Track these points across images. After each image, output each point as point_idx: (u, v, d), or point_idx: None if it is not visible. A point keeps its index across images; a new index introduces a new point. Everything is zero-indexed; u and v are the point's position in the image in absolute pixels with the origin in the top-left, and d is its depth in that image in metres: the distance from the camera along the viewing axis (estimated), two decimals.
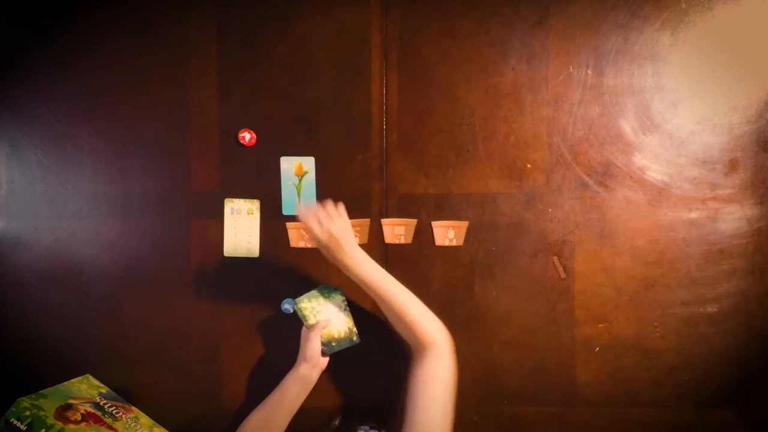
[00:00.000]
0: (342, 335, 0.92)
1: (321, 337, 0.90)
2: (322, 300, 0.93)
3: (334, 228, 0.83)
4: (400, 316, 0.83)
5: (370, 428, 0.87)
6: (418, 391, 0.77)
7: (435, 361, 0.79)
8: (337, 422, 0.97)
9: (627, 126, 0.95)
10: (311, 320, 0.91)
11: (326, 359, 0.91)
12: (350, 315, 0.94)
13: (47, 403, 0.83)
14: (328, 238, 0.83)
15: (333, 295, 0.94)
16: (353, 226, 0.98)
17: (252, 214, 0.99)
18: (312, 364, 0.89)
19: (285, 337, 0.99)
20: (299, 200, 0.97)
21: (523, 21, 0.96)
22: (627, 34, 0.95)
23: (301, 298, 0.92)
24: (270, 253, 0.99)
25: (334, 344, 0.92)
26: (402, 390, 0.96)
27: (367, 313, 0.98)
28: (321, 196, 0.98)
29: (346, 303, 0.94)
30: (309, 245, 0.99)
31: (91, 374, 0.99)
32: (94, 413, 0.87)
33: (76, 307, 1.00)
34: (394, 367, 0.98)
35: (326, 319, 0.91)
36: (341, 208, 0.86)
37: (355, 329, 0.94)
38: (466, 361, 0.89)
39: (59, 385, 0.91)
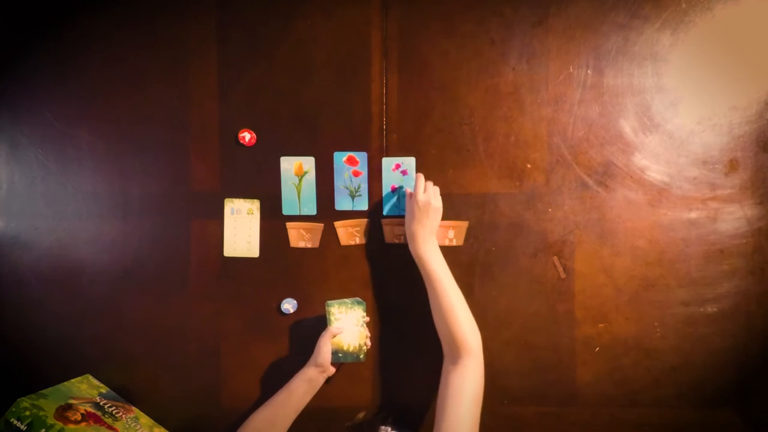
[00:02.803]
0: (350, 349, 0.93)
1: (332, 345, 0.92)
2: (345, 309, 0.93)
3: (435, 201, 0.89)
4: (445, 314, 0.85)
5: (392, 430, 0.88)
6: (449, 396, 0.80)
7: (468, 368, 0.82)
8: (361, 416, 0.97)
9: (627, 126, 0.95)
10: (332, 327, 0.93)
11: (334, 368, 0.93)
12: (366, 332, 0.94)
13: (47, 403, 0.83)
14: (424, 204, 0.88)
15: (356, 307, 0.94)
16: (353, 226, 0.98)
17: (252, 214, 0.99)
18: (320, 369, 0.91)
19: (285, 337, 0.99)
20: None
21: (523, 21, 0.96)
22: (627, 34, 0.95)
23: (333, 302, 0.93)
24: (270, 253, 0.99)
25: (340, 355, 0.92)
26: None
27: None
28: (321, 195, 0.98)
29: (365, 319, 0.94)
30: (309, 245, 0.99)
31: (91, 374, 0.99)
32: (94, 413, 0.87)
33: (76, 307, 1.00)
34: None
35: (338, 328, 0.92)
36: (439, 192, 0.93)
37: (365, 348, 0.93)
38: None
39: (59, 385, 0.91)
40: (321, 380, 0.92)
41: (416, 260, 0.90)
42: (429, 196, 0.89)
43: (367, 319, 0.95)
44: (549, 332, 0.97)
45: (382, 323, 0.99)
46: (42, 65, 0.99)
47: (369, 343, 0.95)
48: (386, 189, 0.98)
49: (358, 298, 0.95)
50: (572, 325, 0.97)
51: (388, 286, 0.99)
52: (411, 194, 0.92)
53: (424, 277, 0.89)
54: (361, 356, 0.93)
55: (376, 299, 0.99)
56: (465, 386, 0.81)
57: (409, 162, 0.97)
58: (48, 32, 0.98)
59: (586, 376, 0.97)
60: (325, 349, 0.90)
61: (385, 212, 0.98)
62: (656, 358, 0.96)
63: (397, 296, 0.99)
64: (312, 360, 0.92)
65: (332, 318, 0.93)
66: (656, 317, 0.96)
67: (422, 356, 0.98)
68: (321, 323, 0.99)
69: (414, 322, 0.98)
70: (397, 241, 0.98)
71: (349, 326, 0.93)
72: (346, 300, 0.94)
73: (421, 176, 0.92)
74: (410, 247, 0.90)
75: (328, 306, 0.93)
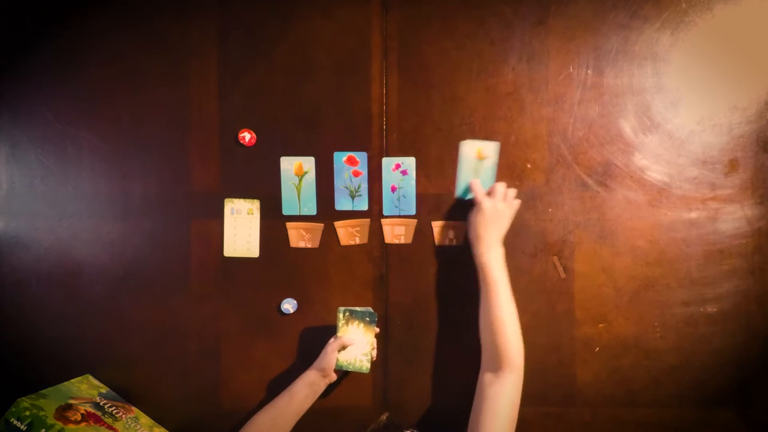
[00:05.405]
0: (356, 360, 0.92)
1: (338, 353, 0.92)
2: (357, 321, 0.93)
3: (501, 206, 0.88)
4: (495, 324, 0.84)
5: None
6: (486, 408, 0.80)
7: (508, 381, 0.82)
8: (384, 418, 0.97)
9: (627, 126, 0.95)
10: (340, 333, 0.93)
11: (336, 375, 0.93)
12: (374, 344, 0.94)
13: (47, 403, 0.83)
14: (492, 211, 0.87)
15: (368, 319, 0.93)
16: (353, 226, 0.98)
17: (252, 214, 0.99)
18: (322, 375, 0.91)
19: (285, 337, 0.99)
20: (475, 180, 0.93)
21: (523, 21, 0.96)
22: (627, 34, 0.95)
23: (344, 309, 0.93)
24: (270, 253, 0.99)
25: (346, 363, 0.92)
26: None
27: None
28: (321, 195, 0.98)
29: (375, 330, 0.94)
30: (309, 245, 0.99)
31: (91, 374, 0.99)
32: (94, 413, 0.87)
33: (76, 307, 1.00)
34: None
35: (349, 339, 0.92)
36: (514, 197, 0.91)
37: (368, 364, 0.92)
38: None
39: (59, 385, 0.91)
40: (323, 385, 0.92)
41: (477, 264, 0.88)
42: (498, 201, 0.88)
43: (377, 330, 0.95)
44: (549, 332, 0.97)
45: (382, 324, 0.99)
46: (42, 65, 0.99)
47: (375, 355, 0.94)
48: (386, 189, 0.98)
49: (370, 309, 0.94)
50: (572, 325, 0.97)
51: (389, 287, 0.99)
52: (481, 192, 0.91)
53: (481, 282, 0.87)
54: (364, 369, 0.93)
55: (376, 299, 0.99)
56: (503, 398, 0.80)
57: (409, 162, 0.97)
58: (48, 32, 0.98)
59: (586, 376, 0.97)
60: (330, 355, 0.90)
61: (385, 212, 0.98)
62: (656, 358, 0.96)
63: (397, 296, 0.99)
64: (316, 364, 0.92)
65: (339, 324, 0.92)
66: (656, 317, 0.96)
67: (424, 356, 0.98)
68: (321, 324, 0.99)
69: (415, 321, 0.98)
70: (397, 241, 0.98)
71: (358, 337, 0.93)
72: (356, 309, 0.93)
73: (502, 182, 0.91)
74: (474, 250, 0.89)
75: (339, 311, 0.93)
